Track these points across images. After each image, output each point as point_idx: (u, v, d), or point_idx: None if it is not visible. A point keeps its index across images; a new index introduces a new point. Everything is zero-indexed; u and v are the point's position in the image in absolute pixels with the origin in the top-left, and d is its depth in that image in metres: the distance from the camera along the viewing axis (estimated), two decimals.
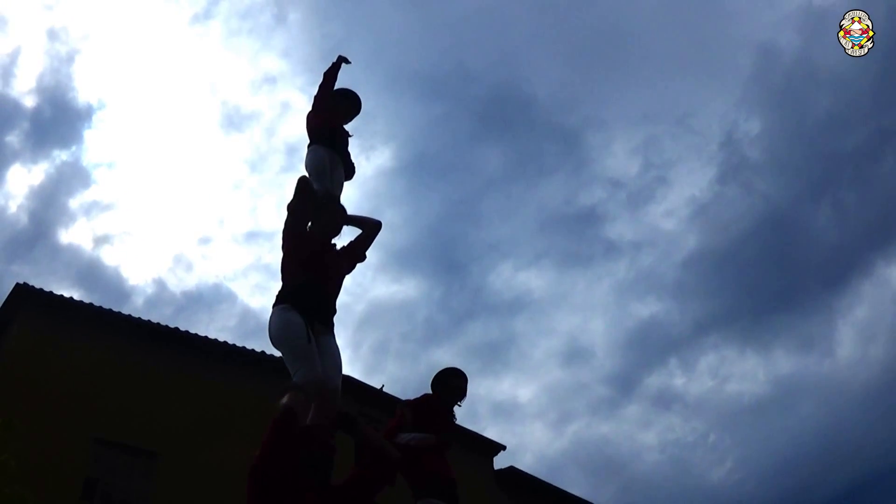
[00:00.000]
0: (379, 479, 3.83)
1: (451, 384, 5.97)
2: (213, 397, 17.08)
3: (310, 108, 5.91)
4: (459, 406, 6.01)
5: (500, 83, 53.77)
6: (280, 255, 4.95)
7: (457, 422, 6.02)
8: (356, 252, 5.21)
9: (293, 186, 5.08)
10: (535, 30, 53.53)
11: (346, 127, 5.92)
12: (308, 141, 5.77)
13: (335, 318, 4.87)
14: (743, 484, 50.97)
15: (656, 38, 54.01)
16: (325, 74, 5.88)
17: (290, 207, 5.01)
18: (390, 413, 6.14)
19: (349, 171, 5.78)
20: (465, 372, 6.07)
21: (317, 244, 4.95)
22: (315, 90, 5.91)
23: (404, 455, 5.38)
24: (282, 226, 5.04)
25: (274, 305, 4.65)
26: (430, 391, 6.01)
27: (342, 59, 5.90)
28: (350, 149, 5.87)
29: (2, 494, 10.60)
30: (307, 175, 5.35)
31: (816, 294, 55.93)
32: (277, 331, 4.53)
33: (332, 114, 5.83)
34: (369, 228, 5.30)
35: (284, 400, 3.87)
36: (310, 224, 5.08)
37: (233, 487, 14.06)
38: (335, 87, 5.93)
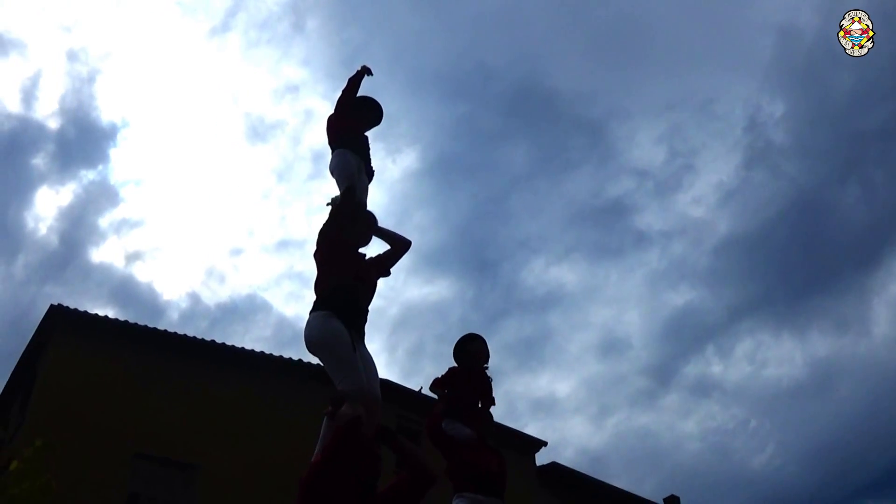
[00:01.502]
0: (416, 492, 3.82)
1: (469, 349, 5.87)
2: (251, 407, 17.12)
3: (332, 113, 5.86)
4: (486, 368, 5.93)
5: (522, 79, 53.71)
6: (311, 261, 4.89)
7: (492, 381, 5.90)
8: (382, 266, 5.14)
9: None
10: (554, 23, 53.38)
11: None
12: (328, 143, 5.71)
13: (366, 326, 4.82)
14: (784, 468, 50.38)
15: (675, 25, 53.64)
16: (350, 80, 5.85)
17: (335, 214, 4.94)
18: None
19: (370, 177, 5.75)
20: (496, 360, 6.02)
21: (351, 252, 4.89)
22: (337, 96, 5.88)
23: (446, 446, 5.38)
24: (316, 233, 4.98)
25: (313, 311, 4.59)
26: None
27: (366, 70, 5.87)
28: (375, 152, 5.84)
29: None
30: (336, 178, 5.30)
31: (849, 274, 55.18)
32: (321, 338, 4.47)
33: (354, 120, 5.78)
34: (399, 245, 5.20)
35: (346, 410, 3.83)
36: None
37: (272, 496, 14.10)
38: (358, 95, 5.89)
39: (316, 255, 4.86)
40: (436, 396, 5.86)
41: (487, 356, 5.93)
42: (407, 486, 3.81)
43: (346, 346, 4.40)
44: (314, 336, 4.50)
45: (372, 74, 5.89)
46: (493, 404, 5.81)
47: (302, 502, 3.57)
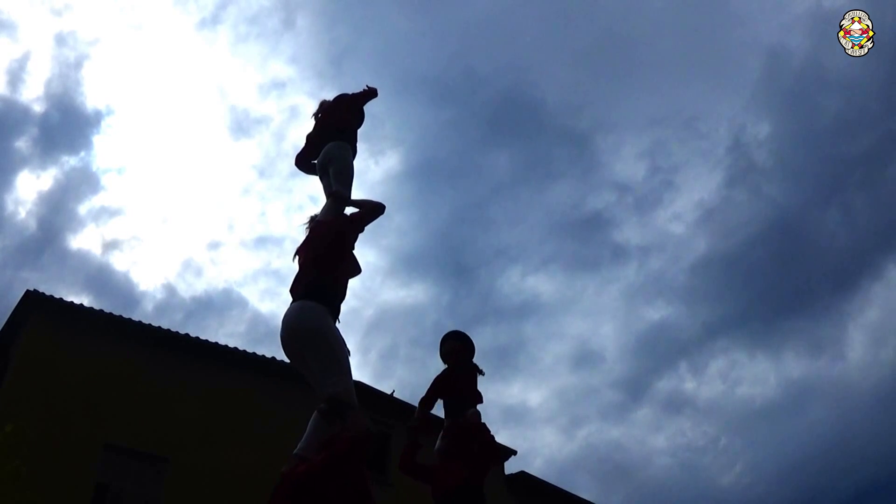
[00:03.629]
0: (356, 451, 3.88)
1: (441, 352, 6.03)
2: (223, 403, 17.11)
3: (340, 102, 5.91)
4: (481, 372, 5.98)
5: (509, 87, 53.86)
6: (289, 258, 4.91)
7: (483, 374, 5.97)
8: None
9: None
10: (544, 34, 53.58)
11: None
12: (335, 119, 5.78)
13: None
14: (753, 488, 50.77)
15: (664, 41, 54.00)
16: (371, 91, 5.97)
17: (359, 219, 5.00)
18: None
19: None
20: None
21: (348, 258, 4.95)
22: (322, 93, 6.00)
23: (417, 477, 5.49)
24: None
25: (314, 299, 4.52)
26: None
27: (374, 93, 6.00)
28: (359, 152, 5.90)
29: (13, 500, 10.64)
30: (334, 170, 5.36)
31: (826, 297, 55.77)
32: (321, 330, 4.40)
33: (357, 121, 5.89)
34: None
35: (359, 421, 3.87)
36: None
37: (241, 492, 14.09)
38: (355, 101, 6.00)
39: (317, 246, 4.81)
40: (407, 401, 5.94)
41: (455, 353, 5.97)
42: (347, 447, 3.81)
43: (346, 350, 4.41)
44: (313, 325, 4.40)
45: (374, 98, 6.04)
46: (481, 401, 5.83)
47: (292, 500, 3.61)
